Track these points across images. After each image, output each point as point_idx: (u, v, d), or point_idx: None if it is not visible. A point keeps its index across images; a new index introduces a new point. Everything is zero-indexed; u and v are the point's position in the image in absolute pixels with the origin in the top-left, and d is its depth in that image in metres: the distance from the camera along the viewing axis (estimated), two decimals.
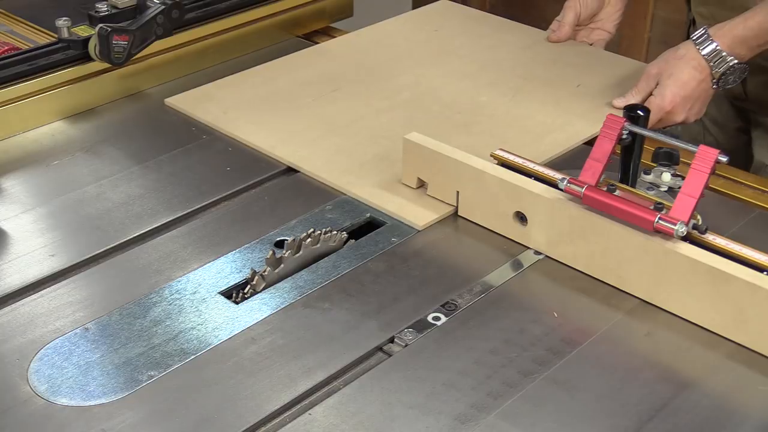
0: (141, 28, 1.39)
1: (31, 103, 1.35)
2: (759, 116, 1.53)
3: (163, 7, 1.42)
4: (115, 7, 1.42)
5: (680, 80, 1.30)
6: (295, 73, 1.49)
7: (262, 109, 1.39)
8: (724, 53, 1.29)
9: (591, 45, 1.57)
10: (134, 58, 1.41)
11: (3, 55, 1.38)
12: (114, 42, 1.36)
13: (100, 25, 1.36)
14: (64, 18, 1.40)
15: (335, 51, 1.56)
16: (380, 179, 1.22)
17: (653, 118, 1.28)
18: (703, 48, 1.29)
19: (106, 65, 1.40)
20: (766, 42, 1.30)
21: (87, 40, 1.39)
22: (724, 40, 1.28)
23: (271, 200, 1.21)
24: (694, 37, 1.30)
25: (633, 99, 1.33)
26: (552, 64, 1.51)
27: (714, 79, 1.30)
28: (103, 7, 1.41)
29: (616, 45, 3.09)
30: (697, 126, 1.56)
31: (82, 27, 1.41)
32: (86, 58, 1.40)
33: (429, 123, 1.20)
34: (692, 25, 1.53)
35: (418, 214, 1.16)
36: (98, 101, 1.42)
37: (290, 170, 1.26)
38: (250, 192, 1.23)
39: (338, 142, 1.30)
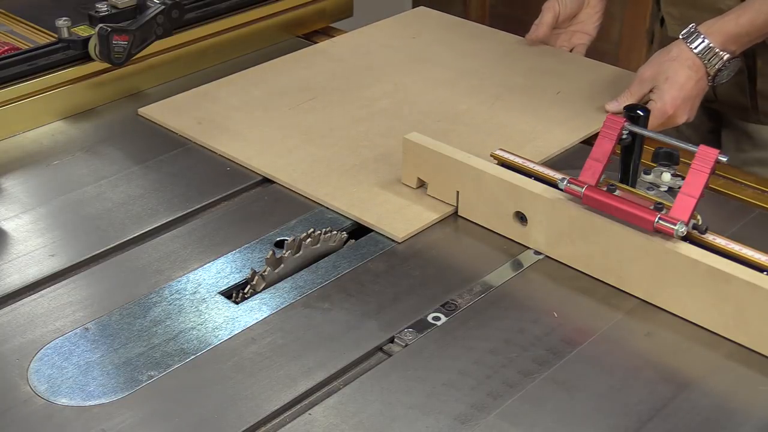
0: (141, 28, 1.39)
1: (31, 103, 1.35)
2: (728, 116, 1.53)
3: (163, 7, 1.42)
4: (115, 7, 1.42)
5: (678, 82, 1.30)
6: (271, 82, 1.48)
7: (237, 118, 1.37)
8: (717, 50, 1.28)
9: (572, 50, 1.56)
10: (134, 58, 1.41)
11: (3, 55, 1.38)
12: (114, 42, 1.36)
13: (100, 25, 1.36)
14: (64, 18, 1.40)
15: (311, 59, 1.55)
16: (359, 189, 1.21)
17: (655, 122, 1.28)
18: (695, 46, 1.29)
19: (106, 65, 1.40)
20: (757, 38, 1.30)
21: (87, 40, 1.39)
22: (716, 38, 1.28)
23: (269, 203, 1.21)
24: (684, 35, 1.30)
25: (626, 102, 1.32)
26: (531, 71, 1.50)
27: (710, 76, 1.30)
28: (103, 7, 1.41)
29: (616, 45, 3.10)
30: (671, 129, 1.56)
31: (82, 27, 1.41)
32: (86, 58, 1.40)
33: (408, 132, 1.19)
34: (662, 24, 1.53)
35: (398, 225, 1.14)
36: (98, 101, 1.42)
37: (266, 181, 1.25)
38: (251, 192, 1.23)
39: (315, 152, 1.29)
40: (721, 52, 1.28)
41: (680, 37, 1.30)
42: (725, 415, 0.90)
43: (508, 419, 0.89)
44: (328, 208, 1.18)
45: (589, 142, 1.31)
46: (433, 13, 1.70)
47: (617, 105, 1.34)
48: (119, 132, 1.37)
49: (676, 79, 1.30)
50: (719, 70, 1.30)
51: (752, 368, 0.95)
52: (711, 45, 1.28)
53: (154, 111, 1.40)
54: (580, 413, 0.90)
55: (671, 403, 0.91)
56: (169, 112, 1.39)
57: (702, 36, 1.29)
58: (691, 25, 1.30)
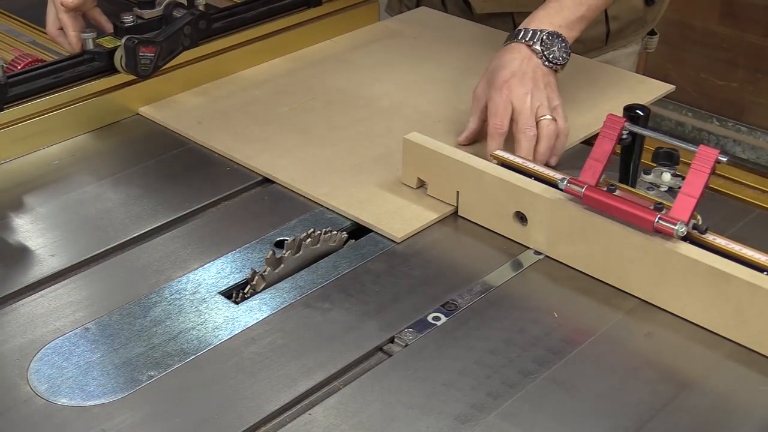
0: (168, 39, 1.36)
1: (56, 116, 1.32)
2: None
3: (190, 17, 1.39)
4: (141, 18, 1.37)
5: (499, 65, 1.26)
6: (271, 82, 1.48)
7: (237, 118, 1.37)
8: (531, 30, 1.27)
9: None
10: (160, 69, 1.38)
11: (27, 68, 1.34)
12: (141, 54, 1.32)
13: (127, 36, 1.32)
14: (89, 29, 1.37)
15: (311, 58, 1.55)
16: (359, 189, 1.21)
17: (497, 122, 1.22)
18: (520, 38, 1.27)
19: (132, 77, 1.36)
20: (583, 16, 1.30)
21: (112, 51, 1.35)
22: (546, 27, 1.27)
23: (269, 203, 1.21)
24: (518, 37, 1.28)
25: (472, 124, 1.29)
26: None
27: (538, 54, 1.26)
28: (128, 18, 1.37)
29: None
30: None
31: (107, 38, 1.38)
32: (112, 70, 1.36)
33: (408, 131, 1.20)
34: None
35: (397, 225, 1.14)
36: (124, 114, 1.38)
37: (266, 181, 1.25)
38: (251, 192, 1.23)
39: (315, 152, 1.29)
40: (537, 30, 1.26)
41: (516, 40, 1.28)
42: (725, 415, 0.90)
43: (508, 419, 0.89)
44: (327, 208, 1.18)
45: (589, 142, 1.31)
46: (434, 13, 1.70)
47: (467, 132, 1.29)
48: (119, 132, 1.37)
49: (498, 64, 1.26)
50: (545, 45, 1.26)
51: (752, 368, 0.95)
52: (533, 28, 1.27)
53: (154, 111, 1.40)
54: (580, 413, 0.90)
55: (671, 403, 0.91)
56: (169, 112, 1.39)
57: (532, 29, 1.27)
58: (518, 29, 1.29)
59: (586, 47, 1.57)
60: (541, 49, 1.26)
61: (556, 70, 1.28)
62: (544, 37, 1.26)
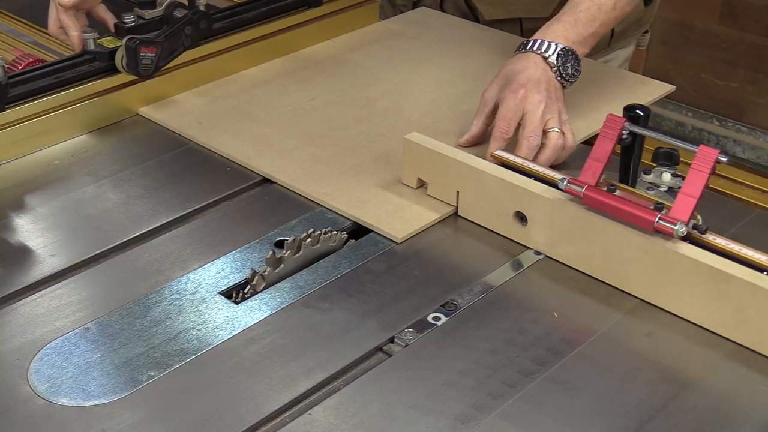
0: (169, 39, 1.36)
1: (57, 117, 1.32)
2: None
3: (191, 17, 1.39)
4: (142, 18, 1.37)
5: (515, 70, 1.26)
6: (271, 82, 1.48)
7: (237, 118, 1.37)
8: (546, 42, 1.27)
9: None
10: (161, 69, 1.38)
11: (28, 68, 1.34)
12: (142, 54, 1.32)
13: (128, 36, 1.32)
14: (90, 29, 1.37)
15: (311, 59, 1.55)
16: (359, 189, 1.21)
17: (504, 125, 1.21)
18: (535, 48, 1.27)
19: (133, 77, 1.36)
20: (595, 32, 1.30)
21: (113, 52, 1.35)
22: (560, 41, 1.27)
23: (269, 203, 1.21)
24: (533, 48, 1.27)
25: (475, 127, 1.28)
26: None
27: (552, 68, 1.26)
28: (129, 18, 1.37)
29: None
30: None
31: (108, 38, 1.37)
32: (113, 70, 1.36)
33: (408, 132, 1.19)
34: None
35: (397, 225, 1.14)
36: (125, 114, 1.38)
37: (266, 181, 1.25)
38: (251, 192, 1.23)
39: (315, 152, 1.29)
40: (552, 43, 1.26)
41: (526, 50, 1.28)
42: (725, 415, 0.90)
43: (508, 419, 0.89)
44: (327, 208, 1.18)
45: (589, 142, 1.31)
46: (434, 14, 1.70)
47: (469, 134, 1.28)
48: (119, 132, 1.37)
49: (512, 69, 1.26)
50: (559, 58, 1.26)
51: (752, 368, 0.95)
52: (546, 41, 1.27)
53: (154, 111, 1.40)
54: (580, 413, 0.90)
55: (671, 403, 0.91)
56: (169, 112, 1.39)
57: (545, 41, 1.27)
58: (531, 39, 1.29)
59: (591, 49, 1.57)
60: (557, 63, 1.26)
61: (564, 86, 1.28)
62: (560, 51, 1.27)
